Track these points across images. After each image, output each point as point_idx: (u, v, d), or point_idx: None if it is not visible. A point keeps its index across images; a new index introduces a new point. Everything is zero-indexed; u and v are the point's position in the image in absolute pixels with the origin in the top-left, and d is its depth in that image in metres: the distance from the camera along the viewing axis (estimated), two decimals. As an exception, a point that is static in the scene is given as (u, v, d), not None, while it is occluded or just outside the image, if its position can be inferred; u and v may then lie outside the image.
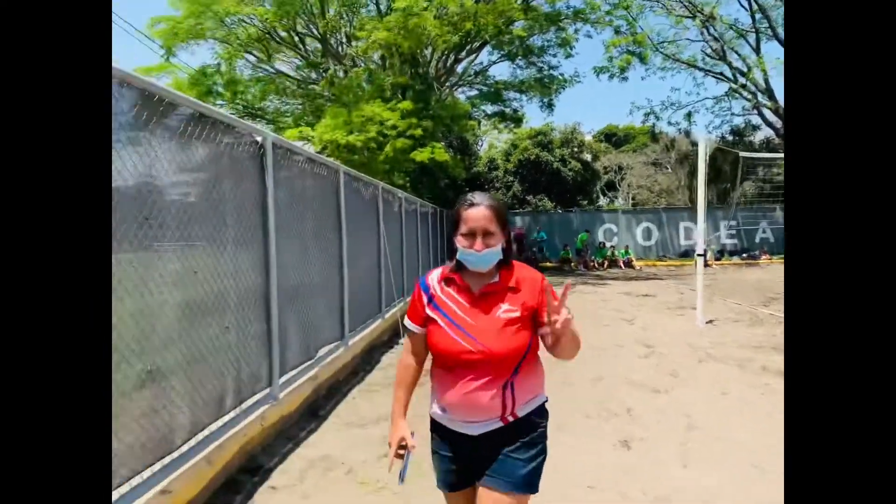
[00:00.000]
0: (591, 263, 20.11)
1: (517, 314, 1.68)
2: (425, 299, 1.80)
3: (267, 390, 3.93)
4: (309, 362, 4.77)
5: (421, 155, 13.92)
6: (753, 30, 21.48)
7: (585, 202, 29.50)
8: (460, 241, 1.70)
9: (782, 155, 13.63)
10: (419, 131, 13.82)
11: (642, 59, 17.94)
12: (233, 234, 3.55)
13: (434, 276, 1.84)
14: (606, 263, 20.23)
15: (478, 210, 1.69)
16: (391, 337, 7.54)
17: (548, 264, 21.12)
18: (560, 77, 19.83)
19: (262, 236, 3.91)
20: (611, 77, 18.16)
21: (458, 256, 1.73)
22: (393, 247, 8.67)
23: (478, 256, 1.67)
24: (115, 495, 2.43)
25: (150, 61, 16.69)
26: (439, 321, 1.73)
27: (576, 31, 17.97)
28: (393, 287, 8.03)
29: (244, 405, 3.64)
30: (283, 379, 4.20)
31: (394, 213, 8.93)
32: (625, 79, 18.12)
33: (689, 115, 24.85)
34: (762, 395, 4.57)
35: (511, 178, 29.69)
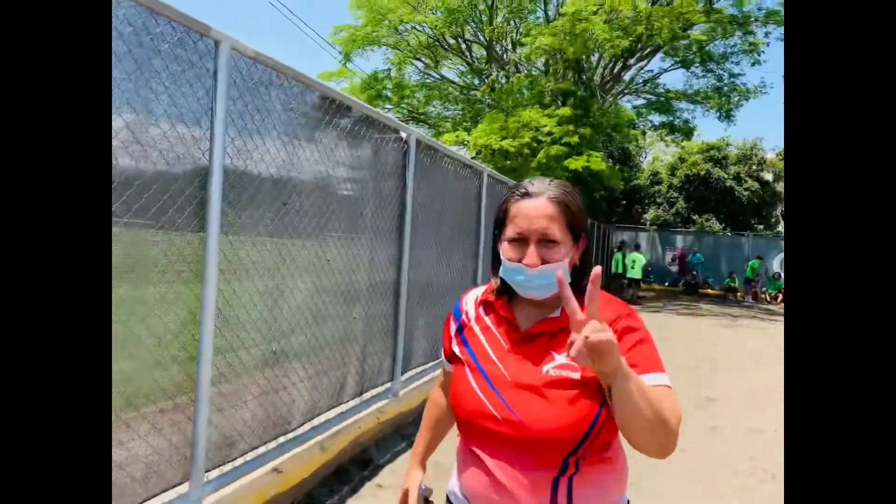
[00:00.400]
0: (762, 296, 17.85)
1: (576, 374, 1.06)
2: (453, 328, 1.27)
3: (388, 385, 3.93)
4: (434, 363, 4.73)
5: (575, 163, 13.41)
6: None
7: (761, 226, 26.41)
8: (505, 251, 1.12)
9: None
10: (575, 138, 13.35)
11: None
12: (369, 226, 3.59)
13: (472, 297, 1.29)
14: (780, 297, 17.80)
15: (534, 203, 1.10)
16: (523, 348, 7.28)
17: (709, 291, 19.19)
18: (742, 87, 17.92)
19: (398, 231, 3.93)
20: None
21: (500, 273, 1.15)
22: (535, 255, 8.40)
23: (528, 277, 1.08)
24: (228, 467, 2.53)
25: (332, 67, 18.28)
26: (465, 363, 1.18)
27: (766, 34, 16.08)
28: (530, 297, 7.76)
29: (364, 397, 3.67)
30: (406, 376, 4.18)
31: (539, 221, 8.66)
32: (824, 88, 15.72)
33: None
34: None
35: (675, 194, 27.63)
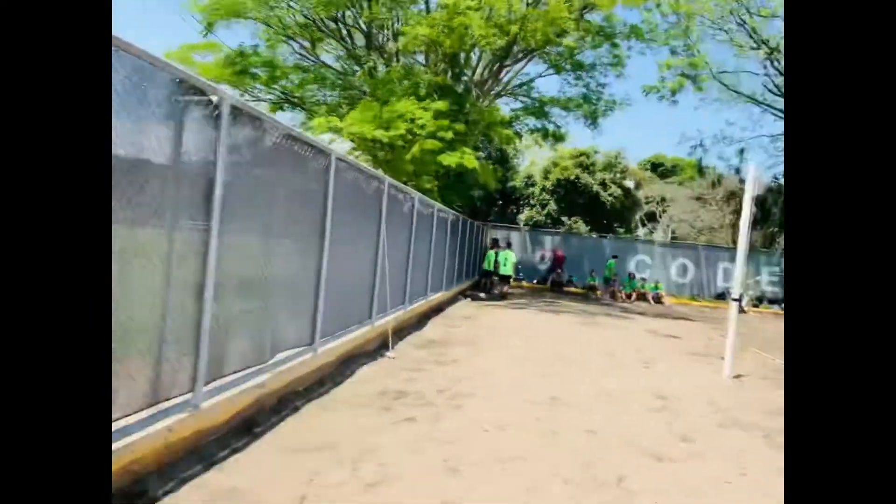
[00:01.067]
0: (619, 294, 19.08)
1: None
2: None
3: (187, 396, 3.29)
4: (257, 367, 4.13)
5: (449, 159, 13.28)
6: (822, 68, 20.25)
7: (622, 230, 28.47)
8: None
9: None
10: (450, 134, 13.21)
11: (695, 83, 16.93)
12: (166, 203, 2.94)
13: None
14: (634, 296, 19.17)
15: None
16: (378, 348, 6.87)
17: (572, 289, 20.17)
18: (609, 99, 19.04)
19: (204, 208, 3.29)
20: (661, 98, 17.21)
21: None
22: (397, 250, 8.02)
23: None
24: None
25: (193, 38, 16.55)
26: None
27: (629, 48, 17.15)
28: (388, 294, 7.36)
29: (150, 411, 3.01)
30: (214, 385, 3.56)
31: (403, 214, 8.29)
32: (675, 102, 17.14)
33: (741, 151, 23.71)
34: (793, 485, 3.69)
35: (548, 197, 28.93)
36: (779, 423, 5.18)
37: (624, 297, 19.07)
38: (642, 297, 19.26)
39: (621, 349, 8.77)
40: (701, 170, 28.01)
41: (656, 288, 19.70)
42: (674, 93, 16.73)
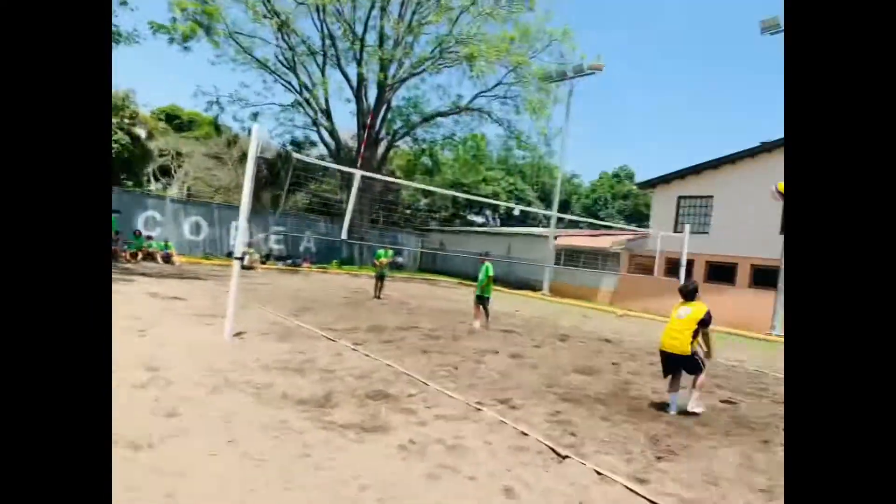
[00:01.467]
0: (123, 255, 16.98)
1: None
2: None
3: None
4: None
5: None
6: (322, 52, 22.93)
7: (131, 183, 25.52)
8: None
9: (332, 165, 14.35)
10: None
11: (209, 35, 16.33)
12: None
13: None
14: (141, 256, 17.45)
15: None
16: None
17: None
18: (115, 31, 16.30)
19: None
20: (171, 41, 15.83)
21: None
22: None
23: None
24: None
25: None
26: None
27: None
28: None
29: None
30: None
31: None
32: (187, 48, 16.10)
33: (255, 115, 24.67)
34: (275, 444, 3.79)
35: (26, 133, 23.07)
36: (272, 378, 5.43)
37: (129, 257, 17.09)
38: (150, 256, 17.73)
39: (116, 318, 7.62)
40: (218, 128, 27.80)
41: (166, 247, 18.48)
42: (186, 38, 15.61)
